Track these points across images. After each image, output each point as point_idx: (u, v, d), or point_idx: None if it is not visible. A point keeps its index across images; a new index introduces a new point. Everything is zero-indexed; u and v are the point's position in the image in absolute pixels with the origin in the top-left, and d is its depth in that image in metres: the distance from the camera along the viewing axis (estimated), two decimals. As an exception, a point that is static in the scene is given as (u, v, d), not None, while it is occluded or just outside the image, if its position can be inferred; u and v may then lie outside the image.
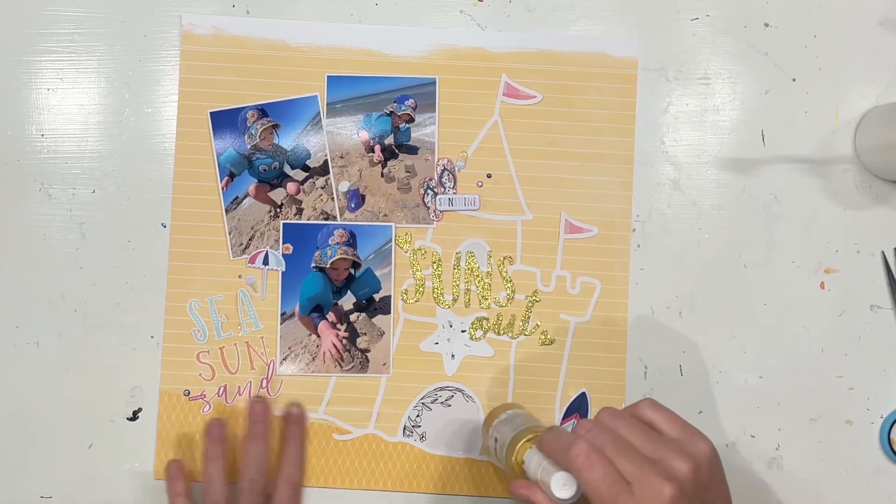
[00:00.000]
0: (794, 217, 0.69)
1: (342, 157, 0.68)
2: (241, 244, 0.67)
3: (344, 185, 0.67)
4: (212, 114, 0.67)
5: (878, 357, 0.68)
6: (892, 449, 0.67)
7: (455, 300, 0.68)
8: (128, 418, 0.67)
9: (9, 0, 0.68)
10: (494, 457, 0.61)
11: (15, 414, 0.66)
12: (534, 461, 0.54)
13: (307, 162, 0.68)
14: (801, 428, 0.68)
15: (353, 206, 0.67)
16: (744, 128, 0.69)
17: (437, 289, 0.67)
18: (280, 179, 0.68)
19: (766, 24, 0.69)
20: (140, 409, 0.67)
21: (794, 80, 0.69)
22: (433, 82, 0.68)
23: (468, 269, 0.68)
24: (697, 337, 0.68)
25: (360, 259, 0.67)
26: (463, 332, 0.67)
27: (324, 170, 0.68)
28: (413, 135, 0.68)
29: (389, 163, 0.68)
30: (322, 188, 0.67)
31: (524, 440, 0.56)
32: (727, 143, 0.69)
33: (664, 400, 0.67)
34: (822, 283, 0.68)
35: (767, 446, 0.68)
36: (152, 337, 0.67)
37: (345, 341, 0.67)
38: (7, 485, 0.66)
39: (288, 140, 0.68)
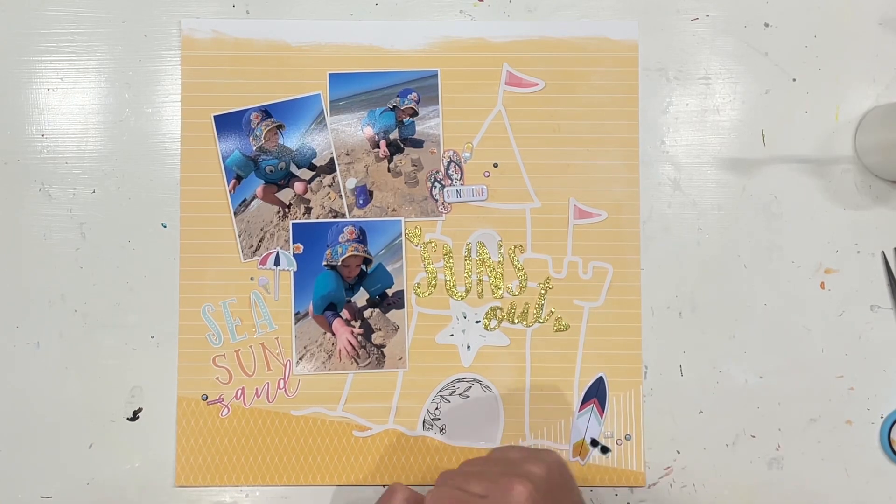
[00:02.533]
0: (794, 217, 0.69)
1: (348, 154, 0.68)
2: (252, 246, 0.67)
3: (351, 182, 0.68)
4: (216, 117, 0.67)
5: (878, 357, 0.68)
6: (892, 449, 0.67)
7: (468, 291, 0.68)
8: (128, 418, 0.67)
9: (9, 0, 0.68)
10: None
11: (15, 414, 0.66)
12: None
13: (313, 161, 0.68)
14: (801, 428, 0.68)
15: (361, 202, 0.68)
16: (744, 128, 0.69)
17: (449, 281, 0.68)
18: (287, 179, 0.68)
19: (766, 24, 0.69)
20: (140, 409, 0.67)
21: (794, 80, 0.69)
22: (435, 75, 0.68)
23: (479, 259, 0.68)
24: (697, 337, 0.68)
25: (370, 255, 0.67)
26: (477, 322, 0.68)
27: (330, 168, 0.68)
28: (418, 128, 0.68)
29: (395, 157, 0.68)
30: (329, 186, 0.67)
31: None
32: (727, 143, 0.69)
33: (664, 399, 0.67)
34: (822, 283, 0.69)
35: (767, 446, 0.68)
36: (152, 337, 0.67)
37: (360, 338, 0.67)
38: (7, 485, 0.66)
39: (293, 140, 0.68)
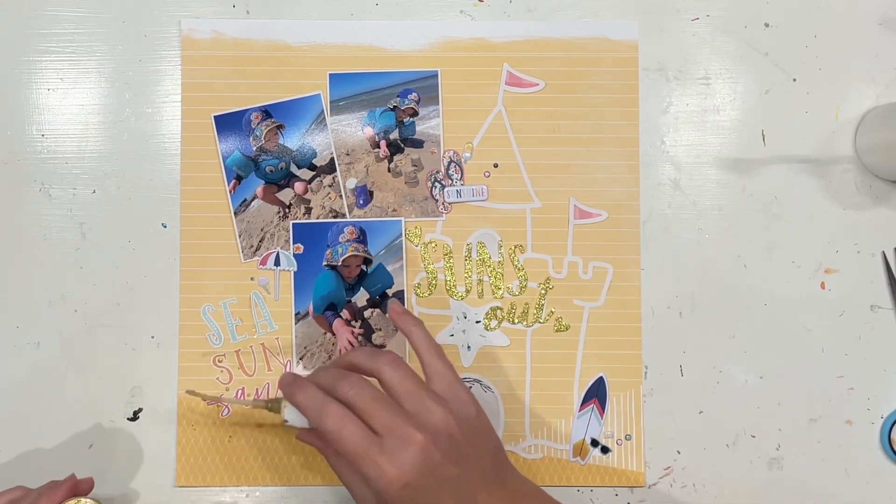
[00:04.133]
0: (794, 217, 0.69)
1: (348, 154, 0.68)
2: (252, 246, 0.67)
3: (351, 182, 0.68)
4: (216, 117, 0.67)
5: (878, 357, 0.68)
6: (892, 449, 0.67)
7: (468, 291, 0.68)
8: (128, 418, 0.67)
9: (9, 0, 0.68)
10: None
11: (15, 414, 0.66)
12: (294, 415, 0.57)
13: (313, 161, 0.68)
14: (801, 428, 0.68)
15: (361, 202, 0.68)
16: (744, 128, 0.69)
17: (449, 281, 0.68)
18: (287, 180, 0.68)
19: (766, 24, 0.69)
20: (140, 409, 0.67)
21: (794, 80, 0.69)
22: (435, 75, 0.68)
23: (480, 259, 0.68)
24: (697, 337, 0.68)
25: (371, 255, 0.67)
26: (477, 322, 0.68)
27: (330, 168, 0.68)
28: (418, 128, 0.68)
29: (396, 157, 0.68)
30: (330, 186, 0.67)
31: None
32: (727, 143, 0.69)
33: (664, 400, 0.67)
34: (822, 283, 0.69)
35: (767, 446, 0.68)
36: (153, 337, 0.67)
37: (360, 338, 0.67)
38: (7, 485, 0.66)
39: (293, 140, 0.68)
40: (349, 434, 0.52)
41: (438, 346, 0.58)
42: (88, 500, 0.60)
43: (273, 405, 0.59)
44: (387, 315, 0.61)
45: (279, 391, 0.58)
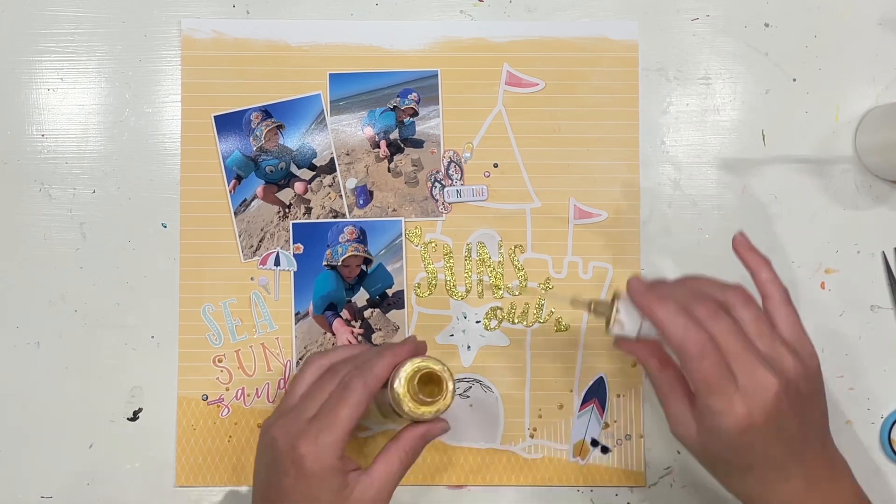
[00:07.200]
0: (794, 217, 0.69)
1: (348, 154, 0.68)
2: (252, 246, 0.67)
3: (351, 182, 0.68)
4: (216, 117, 0.67)
5: (878, 357, 0.68)
6: (892, 449, 0.67)
7: (468, 291, 0.68)
8: (128, 418, 0.67)
9: (9, 0, 0.68)
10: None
11: (15, 414, 0.66)
12: (625, 325, 0.55)
13: (313, 161, 0.68)
14: (802, 428, 0.68)
15: (361, 202, 0.68)
16: (744, 128, 0.69)
17: (449, 281, 0.68)
18: (287, 179, 0.68)
19: (766, 24, 0.69)
20: (140, 409, 0.67)
21: (794, 80, 0.69)
22: (435, 75, 0.68)
23: (480, 259, 0.68)
24: (698, 337, 0.68)
25: (371, 255, 0.67)
26: (477, 322, 0.68)
27: (330, 168, 0.68)
28: (418, 128, 0.68)
29: (396, 157, 0.68)
30: (330, 186, 0.67)
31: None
32: (727, 143, 0.69)
33: (664, 400, 0.67)
34: (823, 283, 0.69)
35: (768, 446, 0.67)
36: (153, 337, 0.67)
37: (360, 338, 0.67)
38: (7, 485, 0.66)
39: (293, 140, 0.68)
40: (710, 364, 0.51)
41: (787, 291, 0.57)
42: (429, 357, 0.58)
43: (600, 308, 0.57)
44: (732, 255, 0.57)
45: (617, 297, 0.56)
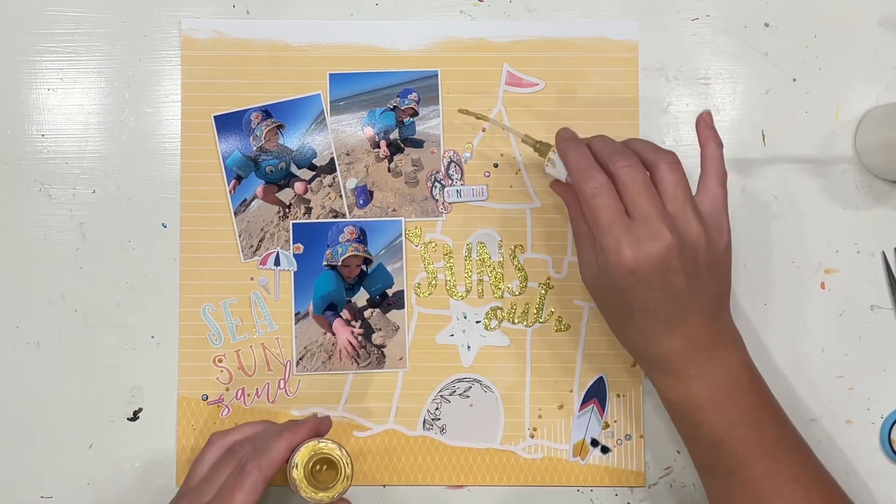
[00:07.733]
0: (794, 217, 0.69)
1: (348, 154, 0.68)
2: (252, 246, 0.67)
3: (351, 182, 0.68)
4: (216, 117, 0.67)
5: (878, 357, 0.68)
6: (892, 449, 0.67)
7: (468, 291, 0.68)
8: (128, 418, 0.67)
9: (9, 0, 0.68)
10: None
11: (15, 414, 0.66)
12: (556, 168, 0.59)
13: (313, 161, 0.68)
14: (801, 428, 0.67)
15: (361, 202, 0.68)
16: (744, 128, 0.69)
17: (449, 281, 0.68)
18: (287, 179, 0.68)
19: (766, 24, 0.69)
20: (140, 410, 0.67)
21: (794, 80, 0.69)
22: (435, 75, 0.68)
23: (480, 259, 0.68)
24: (698, 337, 0.68)
25: (371, 255, 0.67)
26: (478, 322, 0.68)
27: (330, 168, 0.68)
28: (418, 128, 0.68)
29: (396, 157, 0.68)
30: (330, 186, 0.68)
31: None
32: (727, 143, 0.68)
33: (664, 400, 0.67)
34: (823, 283, 0.69)
35: (767, 446, 0.67)
36: (153, 337, 0.67)
37: (360, 338, 0.67)
38: (7, 485, 0.66)
39: (293, 140, 0.68)
40: (604, 203, 0.54)
41: (725, 174, 0.58)
42: (328, 441, 0.59)
43: (542, 148, 0.61)
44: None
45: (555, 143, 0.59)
